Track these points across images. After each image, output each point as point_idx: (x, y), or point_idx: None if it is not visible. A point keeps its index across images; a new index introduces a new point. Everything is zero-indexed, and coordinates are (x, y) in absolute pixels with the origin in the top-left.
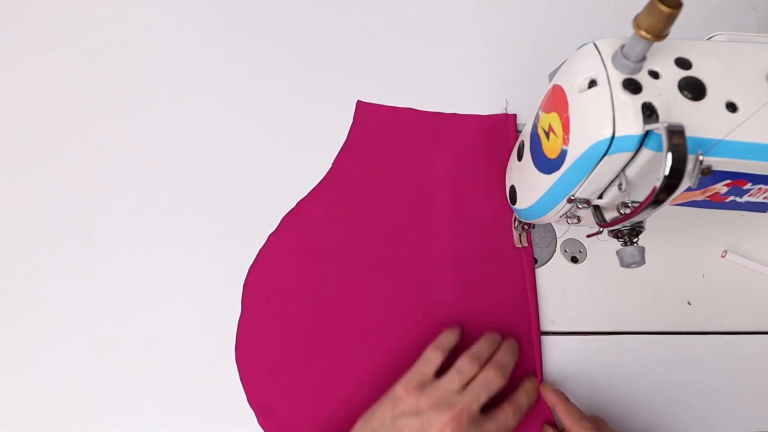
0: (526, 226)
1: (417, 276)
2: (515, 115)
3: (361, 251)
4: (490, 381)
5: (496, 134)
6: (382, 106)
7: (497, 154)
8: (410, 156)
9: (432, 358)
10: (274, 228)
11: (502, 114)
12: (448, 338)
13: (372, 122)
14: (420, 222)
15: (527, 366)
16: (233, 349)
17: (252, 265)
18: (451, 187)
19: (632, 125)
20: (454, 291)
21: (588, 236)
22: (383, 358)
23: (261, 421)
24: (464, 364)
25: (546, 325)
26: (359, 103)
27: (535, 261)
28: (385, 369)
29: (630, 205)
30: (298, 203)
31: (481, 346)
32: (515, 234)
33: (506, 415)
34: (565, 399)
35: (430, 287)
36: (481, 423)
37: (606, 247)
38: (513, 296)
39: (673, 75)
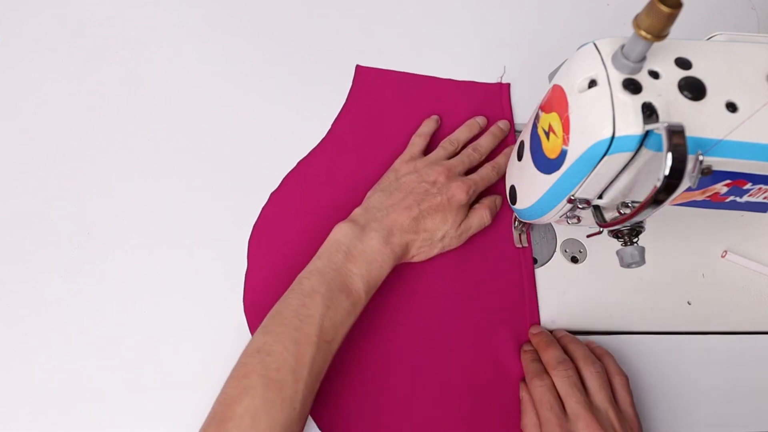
0: (525, 226)
1: None
2: (509, 84)
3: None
4: (488, 174)
5: (490, 102)
6: (381, 70)
7: (491, 121)
8: (407, 118)
9: (416, 142)
10: (275, 187)
11: (497, 83)
12: (428, 125)
13: (370, 86)
14: None
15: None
16: (242, 303)
17: (256, 222)
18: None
19: (632, 125)
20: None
21: (588, 236)
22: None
23: None
24: (445, 143)
25: (546, 325)
26: (358, 68)
27: (535, 261)
28: None
29: (630, 205)
30: (298, 163)
31: (461, 131)
32: (515, 234)
33: (483, 212)
34: (573, 338)
35: None
36: (466, 209)
37: (606, 247)
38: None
39: (673, 75)
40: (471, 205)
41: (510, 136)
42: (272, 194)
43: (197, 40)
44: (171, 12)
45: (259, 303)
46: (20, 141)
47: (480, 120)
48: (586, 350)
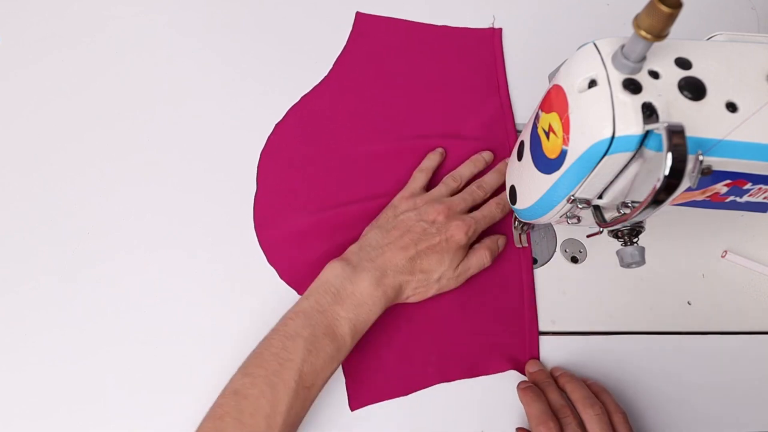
0: (525, 226)
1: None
2: (501, 29)
3: (359, 140)
4: (492, 212)
5: (483, 46)
6: (380, 17)
7: (483, 64)
8: (403, 61)
9: (418, 177)
10: (280, 118)
11: (489, 28)
12: (432, 160)
13: (369, 31)
14: (414, 115)
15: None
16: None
17: (263, 148)
18: (441, 90)
19: (632, 125)
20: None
21: (588, 236)
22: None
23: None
24: (448, 179)
25: (546, 325)
26: (358, 14)
27: (535, 261)
28: None
29: (630, 205)
30: (301, 98)
31: (466, 167)
32: (515, 234)
33: (482, 253)
34: (572, 377)
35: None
36: (465, 249)
37: (606, 247)
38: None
39: (673, 75)
40: (474, 242)
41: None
42: (277, 125)
43: (194, 34)
44: (168, 14)
45: (268, 222)
46: (19, 142)
47: (486, 155)
48: (584, 391)
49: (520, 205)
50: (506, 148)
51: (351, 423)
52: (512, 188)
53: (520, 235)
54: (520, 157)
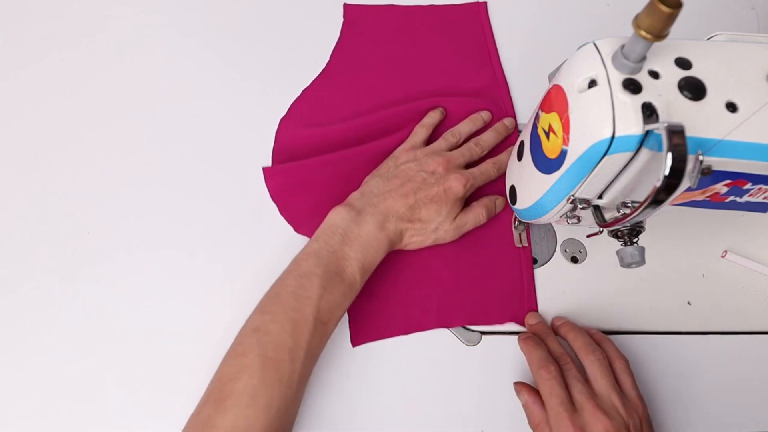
0: (525, 227)
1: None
2: (486, 2)
3: (360, 125)
4: (488, 170)
5: (471, 21)
6: (367, 6)
7: (472, 37)
8: (397, 45)
9: (419, 131)
10: (284, 113)
11: (474, 2)
12: (432, 117)
13: (359, 21)
14: (412, 91)
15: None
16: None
17: (274, 143)
18: (435, 66)
19: (632, 125)
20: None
21: (588, 236)
22: None
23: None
24: (447, 135)
25: None
26: (346, 6)
27: (535, 261)
28: None
29: (630, 205)
30: (303, 91)
31: (465, 124)
32: (515, 234)
33: (479, 210)
34: (573, 326)
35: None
36: (461, 202)
37: (606, 247)
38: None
39: (673, 75)
40: (470, 201)
41: (514, 134)
42: (282, 120)
43: (193, 34)
44: (167, 14)
45: (284, 191)
46: (19, 142)
47: (484, 115)
48: (585, 338)
49: (520, 205)
50: (503, 112)
51: (352, 420)
52: (512, 188)
53: (520, 235)
54: (520, 157)
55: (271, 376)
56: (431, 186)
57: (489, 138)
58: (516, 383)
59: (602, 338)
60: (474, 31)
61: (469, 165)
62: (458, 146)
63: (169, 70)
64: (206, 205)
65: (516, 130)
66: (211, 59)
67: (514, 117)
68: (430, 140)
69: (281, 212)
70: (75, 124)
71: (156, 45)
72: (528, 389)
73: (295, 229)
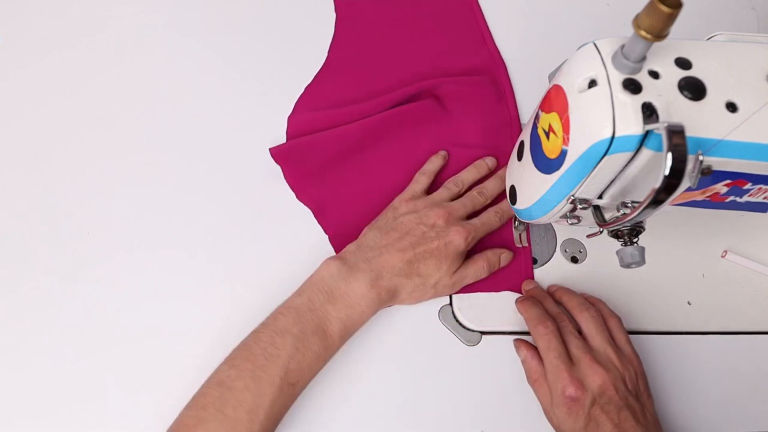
0: (525, 226)
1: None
2: None
3: (368, 109)
4: (490, 220)
5: (461, 3)
6: None
7: (464, 19)
8: (391, 31)
9: (420, 180)
10: (283, 113)
11: None
12: (434, 163)
13: (352, 11)
14: (412, 76)
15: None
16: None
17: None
18: (430, 48)
19: (632, 125)
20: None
21: (588, 236)
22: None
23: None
24: (450, 184)
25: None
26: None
27: (535, 261)
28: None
29: (630, 205)
30: (306, 88)
31: (468, 172)
32: (515, 234)
33: (481, 264)
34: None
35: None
36: (462, 256)
37: (606, 247)
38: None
39: (673, 75)
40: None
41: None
42: (289, 117)
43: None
44: (168, 14)
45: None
46: (19, 142)
47: (489, 161)
48: (580, 299)
49: (520, 205)
50: (501, 92)
51: (352, 420)
52: (512, 188)
53: (520, 235)
54: (520, 157)
55: None
56: (431, 240)
57: (493, 186)
58: (515, 340)
59: (596, 300)
60: (465, 13)
61: (472, 215)
62: (460, 195)
63: (169, 70)
64: (206, 205)
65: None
66: (211, 59)
67: (514, 102)
68: (431, 188)
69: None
70: (75, 124)
71: (156, 45)
72: (526, 345)
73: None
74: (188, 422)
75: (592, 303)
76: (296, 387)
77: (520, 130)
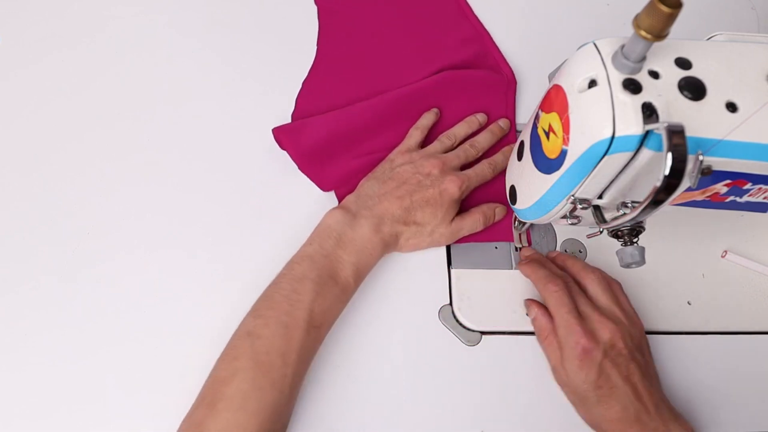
0: (525, 226)
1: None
2: None
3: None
4: (484, 171)
5: None
6: None
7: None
8: (378, 18)
9: (414, 134)
10: (283, 113)
11: None
12: (427, 118)
13: (333, 5)
14: (402, 63)
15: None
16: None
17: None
18: (415, 29)
19: (632, 125)
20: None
21: (588, 236)
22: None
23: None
24: (443, 137)
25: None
26: None
27: None
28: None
29: (630, 205)
30: (303, 83)
31: (460, 127)
32: (515, 234)
33: (477, 217)
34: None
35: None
36: (457, 204)
37: (606, 247)
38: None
39: (673, 75)
40: (467, 202)
41: (511, 134)
42: (293, 114)
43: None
44: (167, 14)
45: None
46: (19, 142)
47: (480, 117)
48: (582, 262)
49: (520, 205)
50: (494, 61)
51: (352, 420)
52: (512, 188)
53: (520, 235)
54: (520, 157)
55: (262, 379)
56: (427, 188)
57: (484, 139)
58: (526, 300)
59: (595, 268)
60: (449, 9)
61: (464, 167)
62: (453, 148)
63: (169, 70)
64: (206, 205)
65: (513, 130)
66: (211, 59)
67: (511, 73)
68: (425, 143)
69: (302, 169)
70: (75, 124)
71: (156, 45)
72: (537, 304)
73: (319, 185)
74: (223, 375)
75: (593, 270)
76: (321, 329)
77: (515, 89)
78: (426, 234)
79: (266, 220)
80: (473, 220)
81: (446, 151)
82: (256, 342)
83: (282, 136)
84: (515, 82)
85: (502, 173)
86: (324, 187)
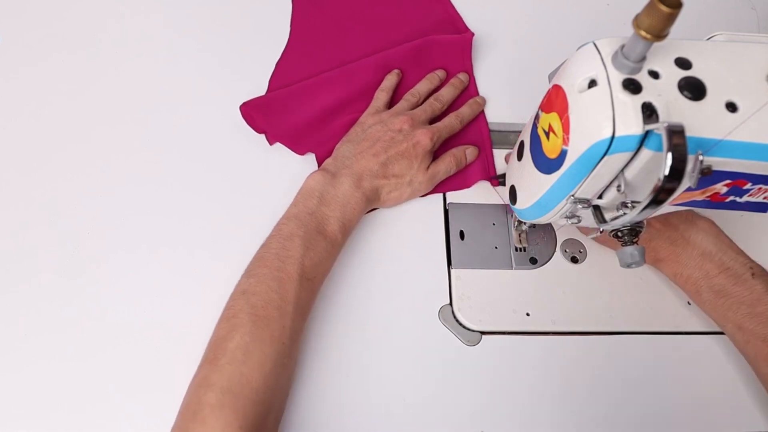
0: (525, 226)
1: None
2: None
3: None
4: (452, 122)
5: None
6: None
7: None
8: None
9: (380, 96)
10: (264, 92)
11: None
12: (390, 80)
13: None
14: (372, 34)
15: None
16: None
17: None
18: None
19: (632, 125)
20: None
21: (588, 236)
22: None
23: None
24: (408, 95)
25: (546, 325)
26: None
27: (535, 261)
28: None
29: (630, 205)
30: (276, 64)
31: (422, 84)
32: (515, 234)
33: (449, 159)
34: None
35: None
36: (430, 155)
37: (606, 247)
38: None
39: (673, 75)
40: (438, 154)
41: (470, 87)
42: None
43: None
44: (165, 14)
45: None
46: (19, 142)
47: (440, 73)
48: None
49: (520, 205)
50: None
51: (352, 420)
52: (512, 188)
53: (520, 234)
54: (520, 157)
55: (262, 332)
56: (400, 143)
57: (447, 93)
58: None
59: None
60: (430, 3)
61: (432, 121)
62: (419, 105)
63: (169, 70)
64: (206, 205)
65: (473, 83)
66: (211, 59)
67: (466, 29)
68: (391, 104)
69: (271, 140)
70: (75, 124)
71: (156, 45)
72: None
73: (296, 150)
74: (223, 333)
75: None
76: (314, 282)
77: (471, 43)
78: (405, 184)
79: (266, 220)
80: (446, 164)
81: (413, 108)
82: (251, 298)
83: (251, 110)
84: (472, 35)
85: (469, 124)
86: (299, 150)
